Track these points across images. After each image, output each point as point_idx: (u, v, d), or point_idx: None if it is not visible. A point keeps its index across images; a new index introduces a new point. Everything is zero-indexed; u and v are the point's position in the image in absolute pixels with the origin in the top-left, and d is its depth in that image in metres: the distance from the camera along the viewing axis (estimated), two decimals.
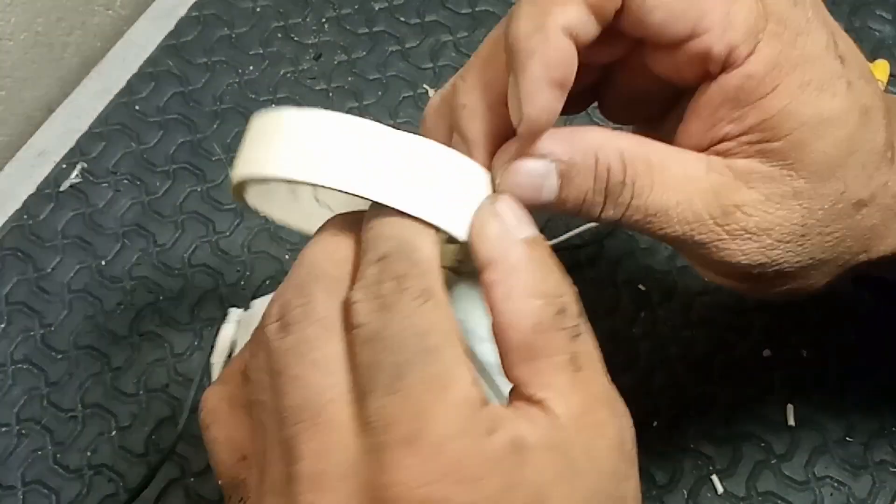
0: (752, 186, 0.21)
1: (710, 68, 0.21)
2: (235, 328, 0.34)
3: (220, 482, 0.22)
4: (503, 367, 0.20)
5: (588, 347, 0.19)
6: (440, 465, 0.17)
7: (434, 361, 0.18)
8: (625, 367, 0.36)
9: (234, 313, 0.34)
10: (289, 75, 0.44)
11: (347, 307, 0.19)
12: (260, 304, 0.33)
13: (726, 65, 0.20)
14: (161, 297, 0.39)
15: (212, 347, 0.35)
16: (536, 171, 0.21)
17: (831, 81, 0.20)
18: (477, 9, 0.46)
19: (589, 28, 0.20)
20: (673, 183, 0.21)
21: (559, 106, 0.20)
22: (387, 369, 0.18)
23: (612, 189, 0.21)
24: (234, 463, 0.21)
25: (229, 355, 0.35)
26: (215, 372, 0.34)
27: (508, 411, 0.19)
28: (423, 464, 0.17)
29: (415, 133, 0.21)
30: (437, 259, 0.20)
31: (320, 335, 0.19)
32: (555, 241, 0.37)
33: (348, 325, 0.19)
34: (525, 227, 0.20)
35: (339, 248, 0.21)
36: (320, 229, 0.22)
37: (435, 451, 0.17)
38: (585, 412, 0.19)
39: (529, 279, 0.19)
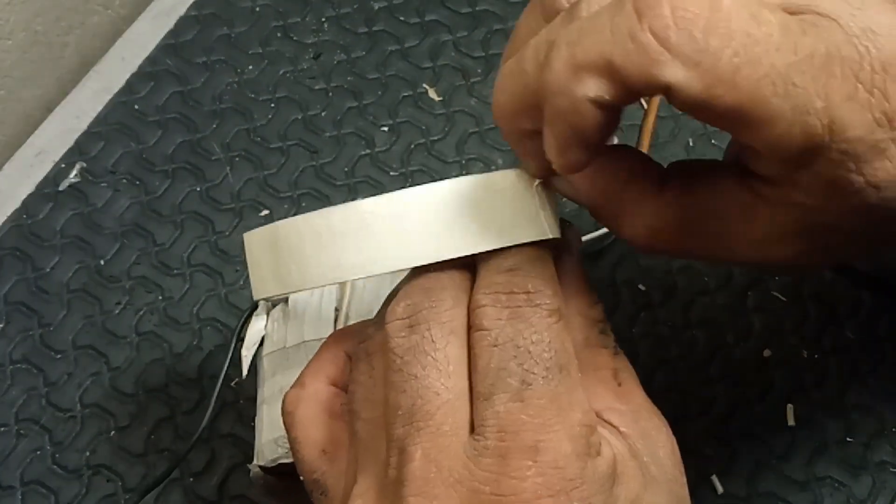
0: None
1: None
2: (266, 321, 0.33)
3: (302, 478, 0.23)
4: None
5: (625, 363, 0.21)
6: (558, 482, 0.18)
7: (563, 380, 0.19)
8: None
9: (265, 306, 0.34)
10: (288, 75, 0.44)
11: (471, 310, 0.20)
12: (301, 299, 0.32)
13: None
14: (160, 297, 0.39)
15: (240, 340, 0.34)
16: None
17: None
18: (477, 8, 0.46)
19: (620, 98, 0.18)
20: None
21: (589, 158, 0.19)
22: (516, 376, 0.19)
23: None
24: (315, 457, 0.22)
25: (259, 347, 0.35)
26: (245, 365, 0.34)
27: (602, 433, 0.20)
28: (542, 477, 0.18)
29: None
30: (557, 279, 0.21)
31: (445, 337, 0.20)
32: None
33: (472, 326, 0.20)
34: (570, 251, 0.22)
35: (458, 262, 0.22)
36: None
37: (555, 467, 0.18)
38: (637, 424, 0.20)
39: (578, 299, 0.20)
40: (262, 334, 0.33)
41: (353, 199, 0.41)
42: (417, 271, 0.21)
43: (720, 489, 0.34)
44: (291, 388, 0.24)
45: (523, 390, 0.18)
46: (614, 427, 0.20)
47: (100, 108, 0.44)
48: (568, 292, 0.21)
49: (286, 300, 0.33)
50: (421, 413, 0.19)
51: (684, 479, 0.21)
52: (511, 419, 0.18)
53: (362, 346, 0.22)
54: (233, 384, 0.37)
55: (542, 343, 0.19)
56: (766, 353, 0.37)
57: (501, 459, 0.18)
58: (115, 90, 0.44)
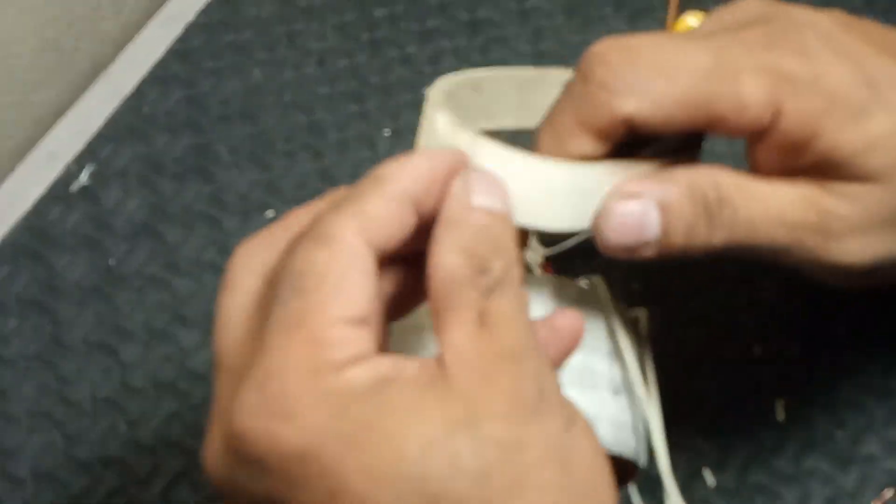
0: (834, 195, 0.23)
1: (749, 139, 0.23)
2: None
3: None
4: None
5: (503, 307, 0.19)
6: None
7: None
8: None
9: None
10: (293, 80, 0.45)
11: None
12: None
13: (760, 134, 0.22)
14: (169, 296, 0.40)
15: None
16: (635, 212, 0.22)
17: (864, 109, 0.22)
18: (476, 16, 0.47)
19: (603, 148, 0.23)
20: (767, 194, 0.23)
21: None
22: None
23: (712, 209, 0.22)
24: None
25: None
26: None
27: (386, 359, 0.18)
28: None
29: None
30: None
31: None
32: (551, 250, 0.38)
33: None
34: (488, 198, 0.20)
35: None
36: None
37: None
38: (482, 366, 0.18)
39: (460, 237, 0.19)
40: None
41: None
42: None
43: (712, 482, 0.35)
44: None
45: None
46: (441, 362, 0.18)
47: (110, 111, 0.45)
48: (451, 231, 0.20)
49: None
50: None
51: (533, 431, 0.18)
52: None
53: None
54: None
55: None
56: (757, 349, 0.38)
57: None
58: (125, 94, 0.45)
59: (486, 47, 0.46)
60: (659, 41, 0.23)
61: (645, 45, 0.22)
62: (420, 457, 0.17)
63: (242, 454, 0.18)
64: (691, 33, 0.25)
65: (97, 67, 0.48)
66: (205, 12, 0.47)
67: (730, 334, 0.38)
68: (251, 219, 0.42)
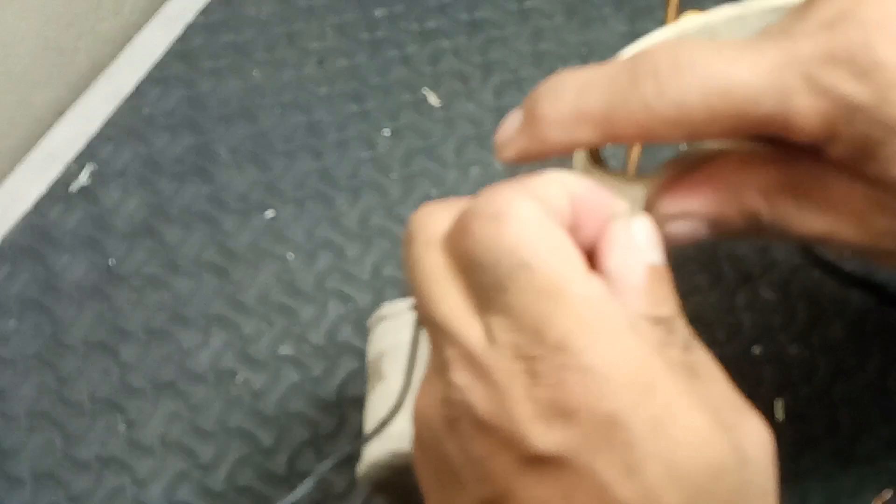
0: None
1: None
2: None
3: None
4: None
5: (703, 359, 0.20)
6: None
7: None
8: None
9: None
10: (293, 80, 0.46)
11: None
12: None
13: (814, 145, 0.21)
14: (169, 296, 0.40)
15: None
16: (684, 230, 0.22)
17: None
18: (475, 16, 0.47)
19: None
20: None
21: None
22: None
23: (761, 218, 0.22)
24: None
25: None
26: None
27: None
28: None
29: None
30: None
31: None
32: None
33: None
34: (652, 253, 0.21)
35: None
36: None
37: None
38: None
39: (641, 302, 0.20)
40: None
41: (356, 202, 0.42)
42: None
43: None
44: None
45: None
46: None
47: (110, 112, 0.45)
48: (628, 296, 0.21)
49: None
50: None
51: None
52: None
53: None
54: (239, 380, 0.38)
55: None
56: (756, 349, 0.38)
57: None
58: (125, 95, 0.45)
59: (486, 47, 0.46)
60: (713, 48, 0.21)
61: (697, 52, 0.21)
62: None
63: (558, 406, 0.18)
64: (763, 34, 0.22)
65: (97, 67, 0.48)
66: (204, 13, 0.47)
67: (729, 334, 0.38)
68: (251, 219, 0.42)
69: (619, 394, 0.18)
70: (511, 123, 0.23)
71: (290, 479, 0.35)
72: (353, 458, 0.30)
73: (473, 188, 0.42)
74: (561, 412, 0.18)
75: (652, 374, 0.18)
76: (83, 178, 0.43)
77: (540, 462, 0.18)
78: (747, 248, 0.40)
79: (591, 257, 0.21)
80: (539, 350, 0.18)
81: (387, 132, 0.44)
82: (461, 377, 0.19)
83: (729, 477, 0.19)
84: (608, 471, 0.18)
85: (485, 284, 0.19)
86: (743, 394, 0.37)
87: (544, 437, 0.18)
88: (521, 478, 0.18)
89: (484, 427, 0.18)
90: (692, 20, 0.25)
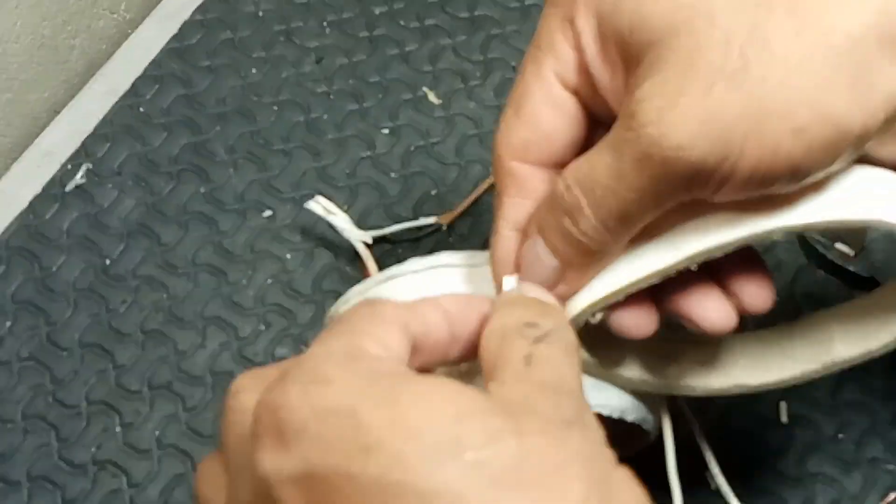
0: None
1: None
2: None
3: None
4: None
5: (550, 351, 0.19)
6: None
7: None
8: None
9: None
10: (291, 78, 0.45)
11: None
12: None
13: None
14: (165, 296, 0.40)
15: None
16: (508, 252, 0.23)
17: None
18: (475, 13, 0.47)
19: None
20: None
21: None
22: None
23: (559, 195, 0.22)
24: None
25: None
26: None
27: None
28: None
29: None
30: None
31: None
32: None
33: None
34: (537, 291, 0.22)
35: None
36: None
37: None
38: (524, 390, 0.18)
39: (512, 307, 0.21)
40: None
41: (354, 201, 0.42)
42: None
43: (713, 485, 0.35)
44: None
45: None
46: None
47: (106, 110, 0.44)
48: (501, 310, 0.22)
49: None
50: None
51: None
52: None
53: None
54: None
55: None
56: None
57: None
58: (121, 93, 0.45)
59: (487, 45, 0.46)
60: None
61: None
62: (455, 421, 0.16)
63: (282, 426, 0.17)
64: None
65: (93, 65, 0.48)
66: (201, 10, 0.47)
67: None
68: (248, 218, 0.41)
69: None
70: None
71: None
72: None
73: (473, 187, 0.42)
74: None
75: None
76: (79, 177, 0.43)
77: None
78: None
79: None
80: None
81: (386, 131, 0.44)
82: None
83: None
84: None
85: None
86: (747, 396, 0.37)
87: None
88: None
89: None
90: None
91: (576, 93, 0.22)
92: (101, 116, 0.44)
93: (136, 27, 0.48)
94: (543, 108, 0.22)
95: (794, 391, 0.36)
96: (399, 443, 0.16)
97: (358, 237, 0.39)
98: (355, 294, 0.28)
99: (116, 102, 0.45)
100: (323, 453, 0.16)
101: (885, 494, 0.34)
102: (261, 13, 0.47)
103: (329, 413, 0.17)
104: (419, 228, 0.40)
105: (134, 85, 0.45)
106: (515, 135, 0.22)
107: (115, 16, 0.50)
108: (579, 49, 0.21)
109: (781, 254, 0.40)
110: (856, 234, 0.39)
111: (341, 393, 0.17)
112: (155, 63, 0.46)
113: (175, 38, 0.46)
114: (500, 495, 0.15)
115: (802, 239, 0.39)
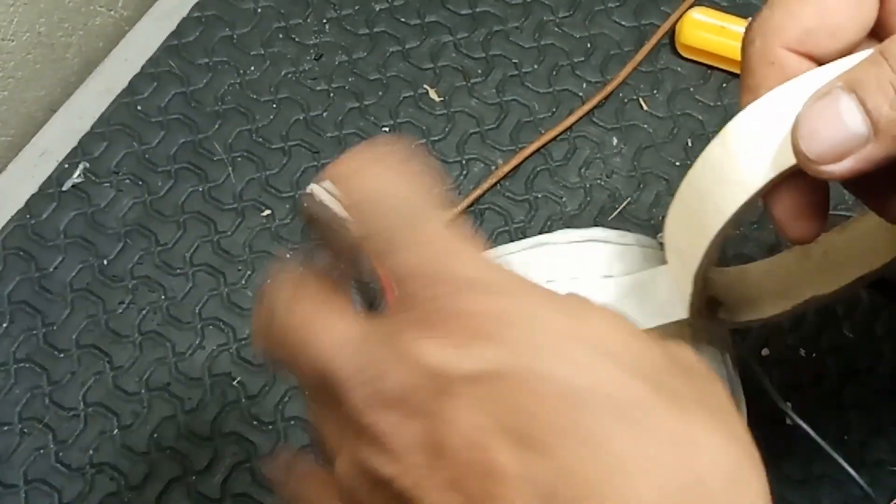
0: None
1: None
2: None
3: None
4: None
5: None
6: None
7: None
8: None
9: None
10: (290, 75, 0.45)
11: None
12: None
13: None
14: (163, 297, 0.39)
15: None
16: (826, 105, 0.18)
17: None
18: (477, 9, 0.46)
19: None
20: None
21: None
22: None
23: None
24: None
25: None
26: None
27: None
28: None
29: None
30: None
31: None
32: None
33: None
34: None
35: None
36: None
37: None
38: None
39: None
40: None
41: None
42: None
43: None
44: None
45: None
46: None
47: (103, 108, 0.44)
48: None
49: None
50: None
51: None
52: None
53: None
54: (235, 382, 0.37)
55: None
56: (765, 352, 0.37)
57: None
58: (118, 91, 0.44)
59: (488, 42, 0.45)
60: None
61: None
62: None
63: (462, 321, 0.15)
64: None
65: (90, 63, 0.47)
66: (199, 7, 0.47)
67: (738, 336, 0.37)
68: (246, 218, 0.41)
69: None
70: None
71: None
72: None
73: (475, 185, 0.41)
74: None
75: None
76: (75, 176, 0.42)
77: None
78: (754, 248, 0.40)
79: None
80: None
81: (386, 128, 0.43)
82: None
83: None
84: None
85: None
86: (751, 397, 0.36)
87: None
88: None
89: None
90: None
91: None
92: (97, 115, 0.44)
93: (134, 24, 0.47)
94: None
95: (800, 393, 0.36)
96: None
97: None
98: (503, 255, 0.27)
99: (113, 101, 0.44)
100: (512, 354, 0.15)
101: (891, 496, 0.34)
102: (259, 10, 0.47)
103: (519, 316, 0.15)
104: None
105: (131, 83, 0.45)
106: (794, 20, 0.19)
107: (112, 13, 0.49)
108: None
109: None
110: None
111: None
112: (152, 61, 0.45)
113: (172, 35, 0.46)
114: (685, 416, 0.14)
115: None
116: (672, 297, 0.23)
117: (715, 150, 0.21)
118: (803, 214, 0.20)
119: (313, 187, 0.21)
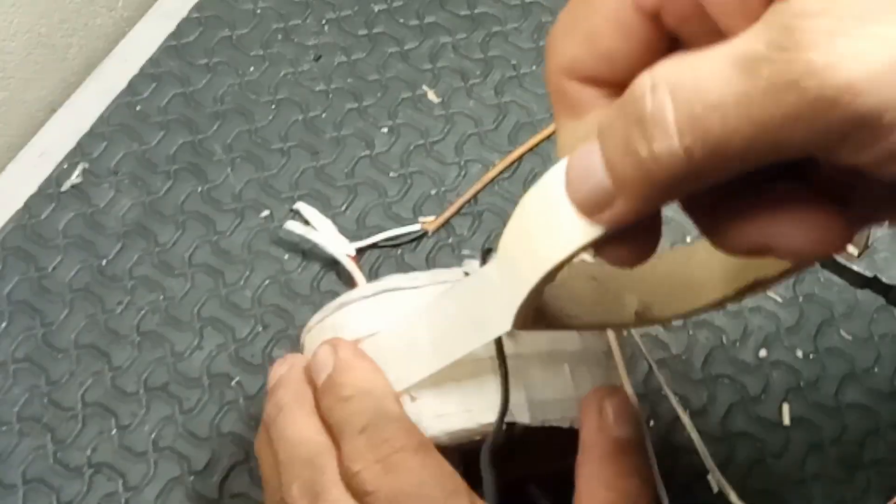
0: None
1: None
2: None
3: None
4: None
5: None
6: None
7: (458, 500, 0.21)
8: None
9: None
10: (289, 76, 0.45)
11: (349, 478, 0.21)
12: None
13: None
14: (162, 297, 0.39)
15: None
16: (579, 155, 0.17)
17: None
18: (476, 11, 0.46)
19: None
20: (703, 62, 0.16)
21: None
22: None
23: (640, 107, 0.15)
24: None
25: None
26: None
27: None
28: None
29: None
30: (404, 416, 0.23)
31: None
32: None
33: (360, 493, 0.21)
34: (622, 427, 0.22)
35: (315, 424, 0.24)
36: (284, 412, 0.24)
37: None
38: None
39: (610, 474, 0.21)
40: None
41: (352, 200, 0.41)
42: (286, 443, 0.24)
43: (715, 488, 0.34)
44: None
45: None
46: None
47: (102, 109, 0.44)
48: (601, 466, 0.22)
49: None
50: None
51: None
52: None
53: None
54: (233, 383, 0.37)
55: (424, 482, 0.20)
56: (762, 353, 0.37)
57: None
58: (118, 91, 0.44)
59: (486, 43, 0.45)
60: None
61: None
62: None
63: None
64: None
65: (90, 64, 0.47)
66: (199, 7, 0.47)
67: (736, 337, 0.37)
68: (246, 218, 0.41)
69: None
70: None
71: None
72: None
73: (472, 186, 0.41)
74: None
75: None
76: (75, 176, 0.42)
77: None
78: None
79: None
80: None
81: (385, 130, 0.43)
82: None
83: None
84: None
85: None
86: (749, 398, 0.36)
87: None
88: None
89: None
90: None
91: (656, 11, 0.17)
92: (97, 115, 0.44)
93: (134, 25, 0.47)
94: (605, 24, 0.17)
95: (797, 394, 0.36)
96: None
97: (342, 251, 0.38)
98: (315, 322, 0.29)
99: (113, 101, 0.44)
100: None
101: (889, 496, 0.34)
102: (259, 11, 0.47)
103: None
104: (404, 234, 0.40)
105: (131, 83, 0.45)
106: (564, 48, 0.18)
107: (113, 13, 0.50)
108: None
109: None
110: (860, 233, 0.39)
111: None
112: (152, 61, 0.45)
113: (172, 35, 0.46)
114: None
115: None
116: (495, 307, 0.21)
117: (535, 200, 0.18)
118: (636, 243, 0.18)
119: None
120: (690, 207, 0.18)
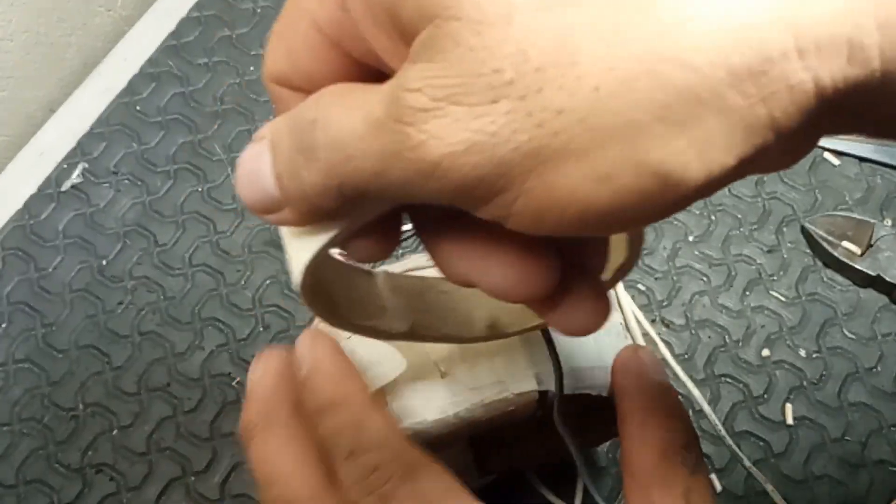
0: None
1: None
2: None
3: None
4: (627, 489, 0.21)
5: (701, 484, 0.21)
6: None
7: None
8: None
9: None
10: None
11: None
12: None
13: None
14: (162, 297, 0.39)
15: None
16: (251, 154, 0.17)
17: None
18: None
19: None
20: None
21: None
22: None
23: (303, 131, 0.16)
24: None
25: None
26: None
27: None
28: None
29: None
30: (392, 427, 0.22)
31: None
32: None
33: None
34: (661, 373, 0.22)
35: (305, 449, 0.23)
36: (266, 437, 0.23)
37: None
38: None
39: (661, 415, 0.21)
40: None
41: None
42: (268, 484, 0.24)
43: (719, 487, 0.34)
44: None
45: None
46: None
47: (102, 108, 0.44)
48: (648, 409, 0.22)
49: None
50: None
51: None
52: None
53: None
54: (234, 383, 0.37)
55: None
56: (766, 352, 0.37)
57: None
58: (117, 91, 0.44)
59: None
60: None
61: None
62: None
63: None
64: None
65: (89, 63, 0.47)
66: (198, 7, 0.46)
67: (739, 337, 0.37)
68: (245, 218, 0.41)
69: None
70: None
71: None
72: None
73: None
74: None
75: None
76: (74, 176, 0.42)
77: None
78: (755, 248, 0.39)
79: None
80: None
81: None
82: None
83: None
84: None
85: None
86: (752, 397, 0.36)
87: None
88: None
89: None
90: None
91: (339, 42, 0.17)
92: (97, 115, 0.44)
93: (133, 24, 0.47)
94: (301, 46, 0.18)
95: (801, 393, 0.36)
96: None
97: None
98: (318, 322, 0.29)
99: (112, 100, 0.44)
100: None
101: (891, 496, 0.34)
102: (258, 10, 0.47)
103: None
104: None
105: (130, 83, 0.44)
106: (273, 60, 0.18)
107: (112, 13, 0.49)
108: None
109: (788, 252, 0.39)
110: (862, 232, 0.39)
111: None
112: (151, 61, 0.45)
113: (172, 35, 0.46)
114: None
115: (809, 237, 0.39)
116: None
117: None
118: (378, 240, 0.19)
119: None
120: (417, 227, 0.19)
